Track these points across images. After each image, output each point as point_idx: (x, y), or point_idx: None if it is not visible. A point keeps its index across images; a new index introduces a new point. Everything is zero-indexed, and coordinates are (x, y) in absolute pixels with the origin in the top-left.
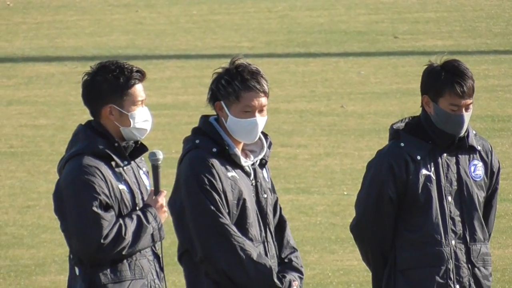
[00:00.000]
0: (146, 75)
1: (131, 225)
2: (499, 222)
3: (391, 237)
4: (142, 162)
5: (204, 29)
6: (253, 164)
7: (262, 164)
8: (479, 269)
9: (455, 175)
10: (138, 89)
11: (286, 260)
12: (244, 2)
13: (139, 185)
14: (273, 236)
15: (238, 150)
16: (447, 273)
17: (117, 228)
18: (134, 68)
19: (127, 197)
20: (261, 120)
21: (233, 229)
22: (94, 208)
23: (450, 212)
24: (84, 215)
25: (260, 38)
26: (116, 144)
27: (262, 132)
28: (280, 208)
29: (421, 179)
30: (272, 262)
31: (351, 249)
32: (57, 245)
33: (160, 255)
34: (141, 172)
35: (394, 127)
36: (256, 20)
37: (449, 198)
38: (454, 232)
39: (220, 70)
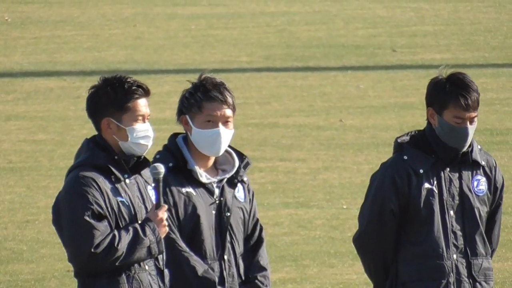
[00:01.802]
0: (150, 92)
1: (125, 237)
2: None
3: (393, 249)
4: (151, 179)
5: (202, 44)
6: (221, 182)
7: (234, 183)
8: (480, 284)
9: (458, 189)
10: (140, 104)
11: (251, 279)
12: (243, 17)
13: (144, 200)
14: (237, 255)
15: (196, 166)
16: (448, 287)
17: (110, 239)
18: (136, 83)
19: (125, 210)
20: (225, 132)
21: (180, 244)
22: (86, 218)
23: (452, 226)
24: (76, 224)
25: (258, 52)
26: (116, 157)
27: (239, 152)
28: (260, 229)
29: (423, 193)
30: (229, 280)
31: (350, 263)
32: (56, 260)
33: (165, 271)
34: (148, 187)
35: (399, 141)
36: (254, 35)
37: (451, 212)
38: (456, 246)
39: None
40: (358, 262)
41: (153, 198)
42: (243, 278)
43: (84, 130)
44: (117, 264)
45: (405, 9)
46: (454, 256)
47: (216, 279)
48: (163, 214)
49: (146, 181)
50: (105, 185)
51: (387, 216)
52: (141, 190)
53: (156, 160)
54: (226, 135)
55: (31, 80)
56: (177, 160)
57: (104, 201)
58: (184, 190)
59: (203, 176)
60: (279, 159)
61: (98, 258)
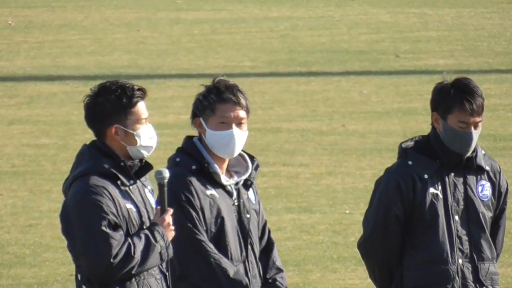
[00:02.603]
0: (147, 93)
1: (139, 244)
2: None
3: (398, 255)
4: (147, 181)
5: (206, 49)
6: (237, 184)
7: (248, 185)
8: None
9: (462, 194)
10: (141, 107)
11: (270, 281)
12: (246, 22)
13: (145, 204)
14: (257, 256)
15: (218, 168)
16: None
17: (126, 248)
18: (136, 87)
19: (134, 216)
20: (239, 134)
21: (210, 246)
22: (103, 228)
23: (457, 231)
24: (93, 235)
25: (261, 57)
26: (122, 164)
27: (249, 154)
28: (269, 231)
29: (428, 198)
30: (253, 282)
31: (353, 268)
32: (59, 264)
33: (167, 274)
34: (146, 190)
35: (403, 146)
36: (258, 40)
37: (456, 217)
38: (461, 251)
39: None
40: (361, 267)
41: (152, 201)
42: (262, 279)
43: (87, 135)
44: (133, 272)
45: (409, 15)
46: (460, 260)
47: (247, 281)
48: (169, 218)
49: (143, 184)
50: (115, 192)
51: (392, 221)
52: (141, 194)
53: (176, 163)
54: (240, 136)
55: (34, 85)
56: (200, 162)
57: (116, 209)
58: (208, 192)
59: (223, 178)
60: (282, 164)
61: (116, 268)
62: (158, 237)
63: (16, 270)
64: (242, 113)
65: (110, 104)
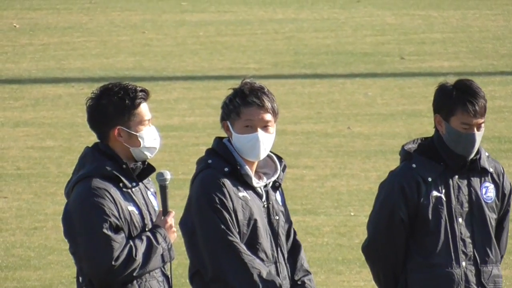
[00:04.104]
0: (150, 94)
1: (141, 247)
2: None
3: (402, 258)
4: (150, 183)
5: (211, 51)
6: (265, 186)
7: (276, 186)
8: None
9: (467, 197)
10: (144, 109)
11: (299, 282)
12: (251, 24)
13: (147, 206)
14: (285, 258)
15: (249, 170)
16: None
17: (128, 250)
18: (138, 88)
19: (136, 218)
20: (264, 137)
21: (243, 247)
22: (105, 230)
23: (461, 233)
24: (94, 238)
25: (266, 59)
26: (124, 166)
27: (277, 155)
28: (295, 233)
29: (432, 201)
30: (284, 283)
31: (357, 270)
32: (64, 267)
33: (170, 276)
34: (149, 193)
35: (406, 148)
36: (262, 42)
37: (460, 220)
38: (465, 254)
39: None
40: (365, 269)
41: (155, 203)
42: (291, 281)
43: (92, 137)
44: (134, 274)
45: (414, 17)
46: (463, 263)
47: (281, 282)
48: (171, 220)
49: (146, 186)
50: (117, 194)
51: (396, 224)
52: (144, 197)
53: (209, 165)
54: (265, 139)
55: (39, 87)
56: (232, 164)
57: (118, 211)
58: (240, 194)
59: (254, 180)
60: (287, 166)
61: (118, 271)
62: (160, 239)
63: (21, 273)
64: (267, 116)
65: (113, 105)
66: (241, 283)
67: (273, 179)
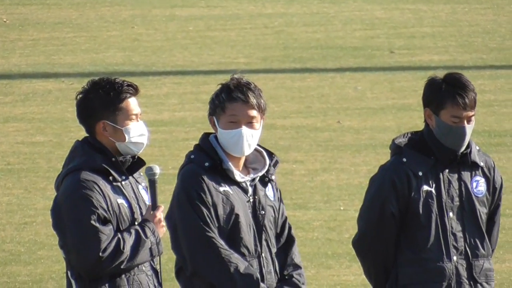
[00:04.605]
0: (139, 90)
1: (129, 240)
2: None
3: (393, 252)
4: (141, 178)
5: (200, 45)
6: (253, 181)
7: (265, 181)
8: (481, 285)
9: (457, 191)
10: (131, 103)
11: (286, 277)
12: (241, 19)
13: (137, 200)
14: (272, 252)
15: (232, 165)
16: None
17: (116, 242)
18: (125, 83)
19: (125, 211)
20: (248, 132)
21: (221, 243)
22: (92, 222)
23: (452, 228)
24: (82, 229)
25: (256, 54)
26: (113, 159)
27: (268, 151)
28: (289, 227)
29: (422, 195)
30: (268, 277)
31: (347, 264)
32: (54, 262)
33: (159, 270)
34: (140, 187)
35: (396, 142)
36: (252, 36)
37: (451, 214)
38: (456, 248)
39: None
40: (355, 263)
41: (145, 198)
42: (278, 275)
43: (82, 132)
44: (122, 267)
45: (403, 11)
46: (454, 258)
47: (259, 276)
48: (160, 214)
49: (136, 180)
50: (106, 187)
51: (387, 219)
52: (134, 190)
53: (191, 160)
54: (250, 135)
55: (29, 82)
56: (213, 159)
57: (107, 204)
58: (221, 189)
59: (238, 175)
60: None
61: (105, 263)
62: (149, 233)
63: (11, 268)
64: (252, 112)
65: (99, 99)
66: (218, 278)
67: (260, 174)
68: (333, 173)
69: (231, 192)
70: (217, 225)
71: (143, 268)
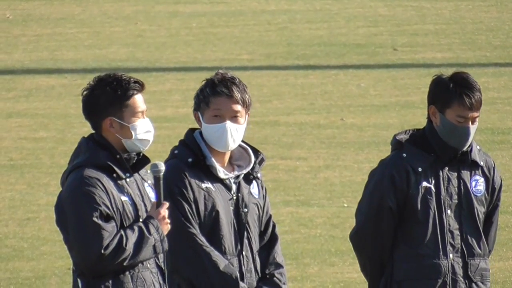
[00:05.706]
0: (145, 86)
1: (132, 236)
2: (500, 234)
3: (390, 247)
4: (147, 175)
5: (203, 42)
6: (238, 178)
7: (250, 179)
8: (476, 284)
9: (456, 189)
10: (138, 100)
11: (268, 276)
12: (244, 15)
13: (143, 197)
14: (254, 251)
15: (215, 162)
16: (443, 287)
17: (118, 239)
18: (132, 79)
19: (129, 208)
20: (233, 127)
21: (201, 239)
22: (95, 219)
23: (449, 225)
24: (84, 226)
25: (259, 50)
26: (118, 156)
27: (254, 148)
28: (274, 226)
29: (421, 191)
30: (248, 276)
31: (351, 261)
32: (57, 258)
33: (164, 268)
34: (145, 184)
35: (397, 138)
36: (255, 33)
37: (449, 211)
38: (452, 246)
39: None
40: None
41: (151, 195)
42: (259, 274)
43: (85, 128)
44: (124, 264)
45: (407, 8)
46: (451, 255)
47: (238, 274)
48: (164, 211)
49: (142, 178)
50: (109, 184)
51: (384, 213)
52: (139, 188)
53: (175, 155)
54: (234, 129)
55: (32, 78)
56: (196, 155)
57: (110, 201)
58: (203, 185)
59: (221, 171)
60: (280, 158)
61: (107, 259)
62: (152, 230)
63: (14, 264)
64: (236, 107)
65: (105, 96)
66: (196, 275)
67: (244, 171)
68: (336, 170)
69: (213, 189)
70: (198, 221)
71: (148, 265)
